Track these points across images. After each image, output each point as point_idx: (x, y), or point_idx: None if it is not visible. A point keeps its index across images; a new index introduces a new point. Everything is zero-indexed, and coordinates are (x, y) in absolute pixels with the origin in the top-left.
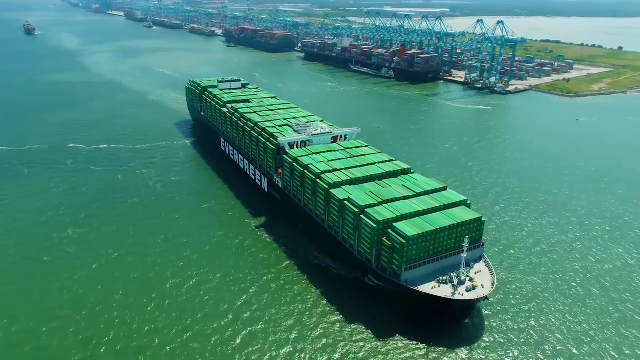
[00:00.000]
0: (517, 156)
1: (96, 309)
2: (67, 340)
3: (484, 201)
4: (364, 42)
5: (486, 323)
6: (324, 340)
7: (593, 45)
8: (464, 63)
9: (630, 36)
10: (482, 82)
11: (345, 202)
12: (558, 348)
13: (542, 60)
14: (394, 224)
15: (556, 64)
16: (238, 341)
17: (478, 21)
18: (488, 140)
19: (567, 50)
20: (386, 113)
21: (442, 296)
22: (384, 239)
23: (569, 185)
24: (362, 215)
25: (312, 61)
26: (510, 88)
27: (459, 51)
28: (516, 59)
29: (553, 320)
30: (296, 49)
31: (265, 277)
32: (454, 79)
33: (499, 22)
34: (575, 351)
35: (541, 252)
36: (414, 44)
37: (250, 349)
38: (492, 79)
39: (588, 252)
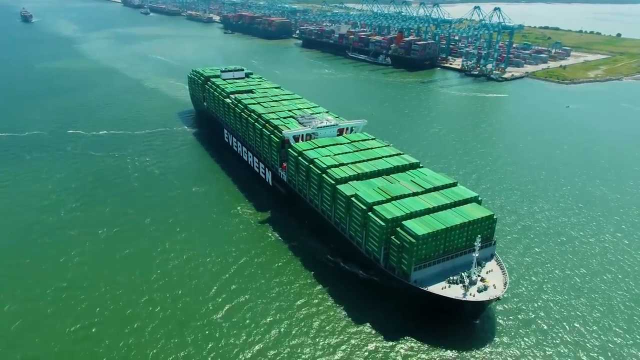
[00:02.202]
0: (509, 143)
1: (96, 287)
2: (64, 315)
3: (485, 192)
4: (362, 29)
5: (497, 323)
6: (329, 340)
7: (591, 32)
8: (461, 50)
9: (628, 23)
10: (478, 69)
11: (353, 198)
12: (573, 349)
13: (539, 47)
14: (403, 222)
15: (553, 50)
16: (241, 337)
17: (475, 8)
18: (481, 127)
19: (565, 37)
20: (382, 100)
21: (453, 297)
22: (392, 237)
23: (564, 172)
24: (369, 213)
25: (309, 48)
26: (506, 75)
27: (456, 38)
28: (513, 45)
29: (567, 319)
30: (294, 35)
31: (269, 271)
32: (451, 66)
33: (495, 9)
34: (590, 352)
35: (551, 245)
36: (412, 30)
37: (253, 345)
38: (489, 66)
39: (600, 244)
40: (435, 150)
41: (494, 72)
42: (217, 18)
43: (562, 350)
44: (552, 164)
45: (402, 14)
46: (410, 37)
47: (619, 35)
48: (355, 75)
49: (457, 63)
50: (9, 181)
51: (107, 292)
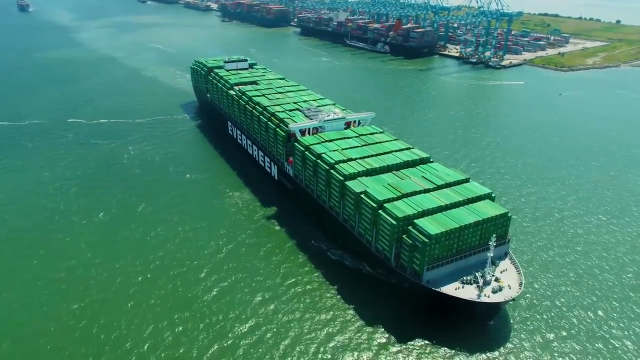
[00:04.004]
0: (506, 132)
1: (94, 270)
2: (62, 297)
3: (485, 182)
4: (360, 17)
5: (512, 324)
6: (336, 340)
7: (591, 19)
8: (460, 37)
9: (626, 10)
10: (476, 56)
11: (362, 195)
12: (592, 352)
13: (538, 35)
14: (416, 221)
15: (552, 38)
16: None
17: None
18: (477, 114)
19: (564, 24)
20: (379, 88)
21: (468, 299)
22: (404, 236)
23: (563, 160)
24: (380, 211)
25: (308, 36)
26: (504, 62)
27: (455, 25)
28: (512, 33)
29: (586, 320)
30: (292, 23)
31: (273, 265)
32: (449, 53)
33: None
34: (611, 354)
35: (565, 240)
36: (410, 18)
37: (256, 348)
38: (487, 54)
39: (617, 238)
40: (430, 137)
41: (492, 59)
42: (215, 6)
43: (580, 354)
44: (549, 151)
45: (401, 1)
46: (409, 25)
47: (618, 22)
48: (353, 63)
49: (456, 50)
50: (13, 169)
51: (104, 274)
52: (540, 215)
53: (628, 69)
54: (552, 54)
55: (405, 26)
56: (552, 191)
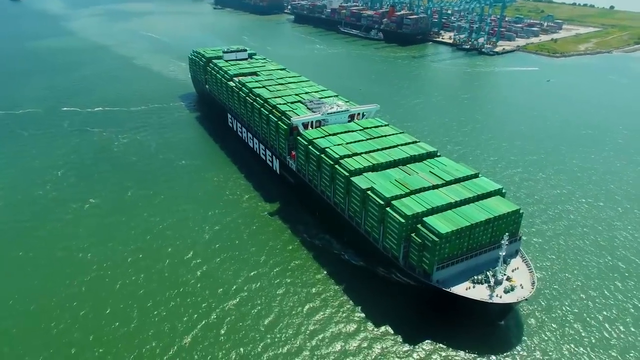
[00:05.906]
0: (499, 119)
1: (88, 255)
2: (54, 281)
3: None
4: (354, 4)
5: (524, 323)
6: (340, 341)
7: (584, 5)
8: (454, 24)
9: None
10: (470, 43)
11: (369, 192)
12: (606, 352)
13: (531, 21)
14: (425, 219)
15: (545, 24)
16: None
17: None
18: (467, 101)
19: (558, 9)
20: (373, 75)
21: (479, 299)
22: (413, 235)
23: (562, 148)
24: (387, 208)
25: (301, 24)
26: (497, 49)
27: (449, 12)
28: (505, 19)
29: (601, 319)
30: (286, 11)
31: (276, 261)
32: (442, 40)
33: None
34: (626, 356)
35: (574, 233)
36: (404, 5)
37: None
38: (480, 40)
39: (629, 229)
40: (419, 122)
41: (485, 45)
42: None
43: (594, 355)
44: (541, 139)
45: None
46: (402, 12)
47: (612, 7)
48: (346, 51)
49: (449, 37)
50: (9, 156)
51: (96, 257)
52: (545, 207)
53: (619, 55)
54: (545, 40)
55: (398, 13)
56: (555, 181)
